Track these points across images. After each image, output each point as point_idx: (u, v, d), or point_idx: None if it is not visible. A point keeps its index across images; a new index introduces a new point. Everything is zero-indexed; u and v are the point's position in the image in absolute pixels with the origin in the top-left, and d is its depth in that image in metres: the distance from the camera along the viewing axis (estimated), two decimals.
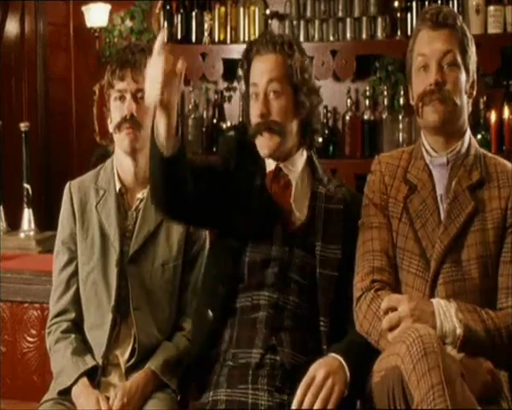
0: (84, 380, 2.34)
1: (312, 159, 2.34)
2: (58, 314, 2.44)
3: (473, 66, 2.20)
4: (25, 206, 3.49)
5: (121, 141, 2.38)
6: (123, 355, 2.38)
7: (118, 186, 2.43)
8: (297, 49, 2.27)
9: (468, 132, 2.23)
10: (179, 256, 2.43)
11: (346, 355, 2.07)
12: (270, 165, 2.29)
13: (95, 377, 2.36)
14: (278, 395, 2.08)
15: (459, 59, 2.16)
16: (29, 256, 3.31)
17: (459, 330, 1.97)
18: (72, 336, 2.41)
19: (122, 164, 2.44)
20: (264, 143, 2.24)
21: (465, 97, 2.19)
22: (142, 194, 2.43)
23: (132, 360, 2.37)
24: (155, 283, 2.40)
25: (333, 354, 2.08)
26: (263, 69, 2.24)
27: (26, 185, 3.46)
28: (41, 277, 2.84)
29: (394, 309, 2.00)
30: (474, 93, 2.22)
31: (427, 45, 2.20)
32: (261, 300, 2.19)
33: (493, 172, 2.18)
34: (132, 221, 2.42)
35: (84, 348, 2.40)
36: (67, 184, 2.49)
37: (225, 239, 2.26)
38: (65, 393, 2.35)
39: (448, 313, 1.98)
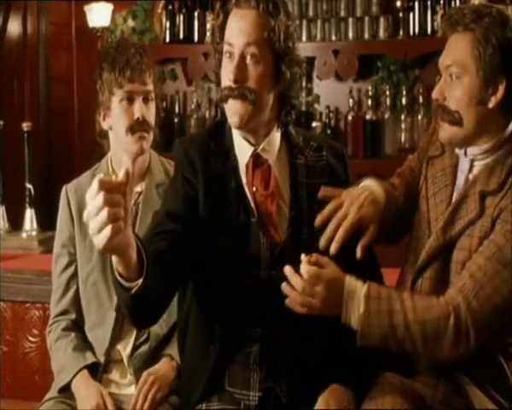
0: (85, 372, 2.34)
1: (287, 130, 2.06)
2: (59, 315, 2.45)
3: (502, 72, 1.96)
4: (27, 206, 3.49)
5: (132, 144, 2.37)
6: (125, 349, 2.38)
7: None
8: (283, 10, 1.96)
9: (503, 136, 2.01)
10: None
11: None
12: (245, 154, 2.01)
13: (96, 374, 2.36)
14: None
15: (466, 67, 1.96)
16: (31, 256, 3.31)
17: (356, 324, 1.85)
18: (73, 334, 2.42)
19: (119, 163, 2.44)
20: (234, 110, 1.94)
21: (480, 107, 1.97)
22: (140, 187, 2.44)
23: (141, 349, 2.37)
24: None
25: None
26: (241, 28, 1.92)
27: (28, 185, 3.46)
28: (43, 277, 2.84)
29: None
30: (500, 101, 1.97)
31: (442, 54, 2.03)
32: (253, 333, 1.98)
33: (509, 181, 1.97)
34: (132, 215, 2.42)
35: (84, 345, 2.41)
36: (64, 188, 2.49)
37: (210, 274, 1.98)
38: (65, 390, 2.35)
39: (355, 300, 1.85)
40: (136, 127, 2.36)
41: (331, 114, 5.12)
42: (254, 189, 1.98)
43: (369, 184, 2.05)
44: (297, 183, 2.02)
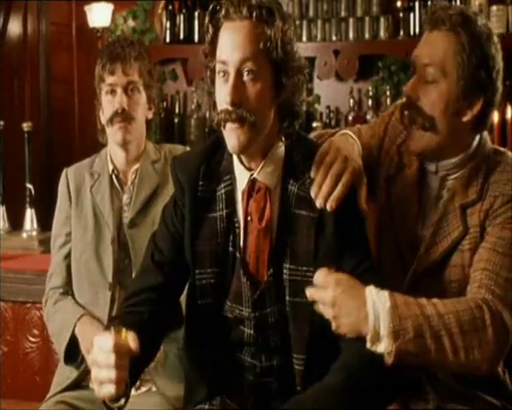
0: (86, 317, 2.38)
1: (289, 148, 1.85)
2: (55, 287, 2.51)
3: (481, 87, 1.85)
4: (27, 206, 3.50)
5: (114, 134, 2.47)
6: None
7: (110, 168, 2.52)
8: (278, 14, 1.75)
9: (475, 146, 1.94)
10: None
11: None
12: (243, 180, 1.84)
13: None
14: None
15: (446, 71, 1.85)
16: (31, 256, 3.32)
17: (386, 321, 1.67)
18: (70, 297, 2.48)
19: (115, 153, 2.52)
20: (233, 135, 1.74)
21: (456, 119, 1.88)
22: (136, 166, 2.51)
23: None
24: None
25: None
26: (235, 43, 1.72)
27: (29, 185, 3.47)
28: (43, 277, 2.82)
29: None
30: (475, 117, 1.87)
31: (417, 48, 1.93)
32: (245, 362, 1.89)
33: (488, 183, 1.89)
34: (130, 194, 2.50)
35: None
36: (64, 170, 2.57)
37: (195, 303, 1.90)
38: (72, 358, 2.38)
39: (380, 311, 1.67)
40: (115, 118, 2.43)
41: (331, 115, 5.12)
42: (249, 218, 1.82)
43: (352, 141, 1.94)
44: (287, 215, 1.82)
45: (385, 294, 1.68)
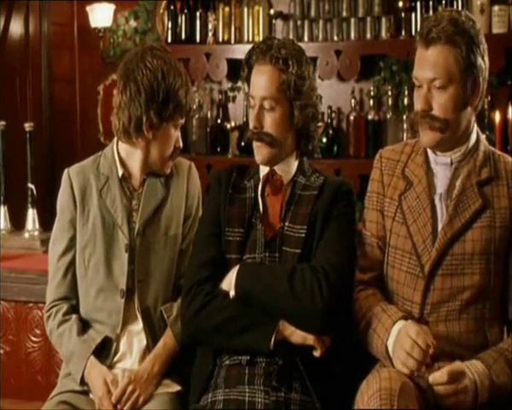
0: (92, 360, 2.36)
1: (303, 161, 2.37)
2: (58, 300, 2.47)
3: (479, 72, 2.14)
4: (29, 206, 3.50)
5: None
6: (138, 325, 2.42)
7: (120, 172, 2.47)
8: (295, 62, 2.26)
9: (476, 130, 2.23)
10: (180, 224, 2.48)
11: None
12: (265, 170, 2.34)
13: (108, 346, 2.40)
14: (274, 393, 2.11)
15: (452, 77, 2.11)
16: (33, 256, 3.32)
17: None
18: (74, 316, 2.44)
19: (132, 154, 2.47)
20: (257, 151, 2.32)
21: (464, 110, 2.15)
22: (146, 174, 2.48)
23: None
24: (160, 252, 2.44)
25: None
26: (259, 83, 2.28)
27: (31, 185, 3.47)
28: (45, 277, 2.82)
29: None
30: (479, 99, 2.17)
31: (418, 68, 2.17)
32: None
33: (502, 169, 2.20)
34: (139, 201, 2.47)
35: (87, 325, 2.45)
36: (66, 171, 2.51)
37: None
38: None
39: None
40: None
41: (333, 115, 5.12)
42: (266, 194, 2.32)
43: None
44: (294, 194, 2.32)
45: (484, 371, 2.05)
